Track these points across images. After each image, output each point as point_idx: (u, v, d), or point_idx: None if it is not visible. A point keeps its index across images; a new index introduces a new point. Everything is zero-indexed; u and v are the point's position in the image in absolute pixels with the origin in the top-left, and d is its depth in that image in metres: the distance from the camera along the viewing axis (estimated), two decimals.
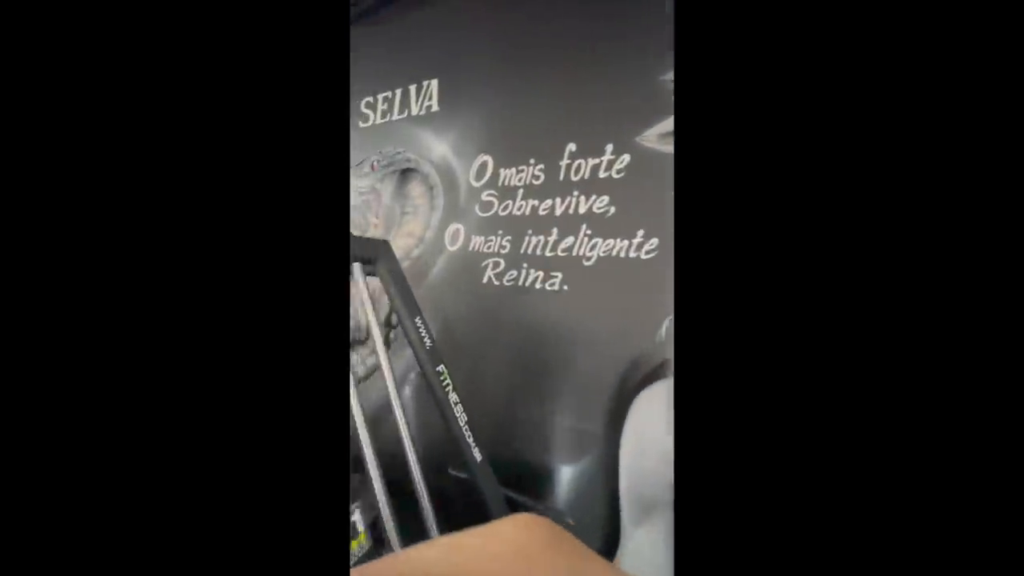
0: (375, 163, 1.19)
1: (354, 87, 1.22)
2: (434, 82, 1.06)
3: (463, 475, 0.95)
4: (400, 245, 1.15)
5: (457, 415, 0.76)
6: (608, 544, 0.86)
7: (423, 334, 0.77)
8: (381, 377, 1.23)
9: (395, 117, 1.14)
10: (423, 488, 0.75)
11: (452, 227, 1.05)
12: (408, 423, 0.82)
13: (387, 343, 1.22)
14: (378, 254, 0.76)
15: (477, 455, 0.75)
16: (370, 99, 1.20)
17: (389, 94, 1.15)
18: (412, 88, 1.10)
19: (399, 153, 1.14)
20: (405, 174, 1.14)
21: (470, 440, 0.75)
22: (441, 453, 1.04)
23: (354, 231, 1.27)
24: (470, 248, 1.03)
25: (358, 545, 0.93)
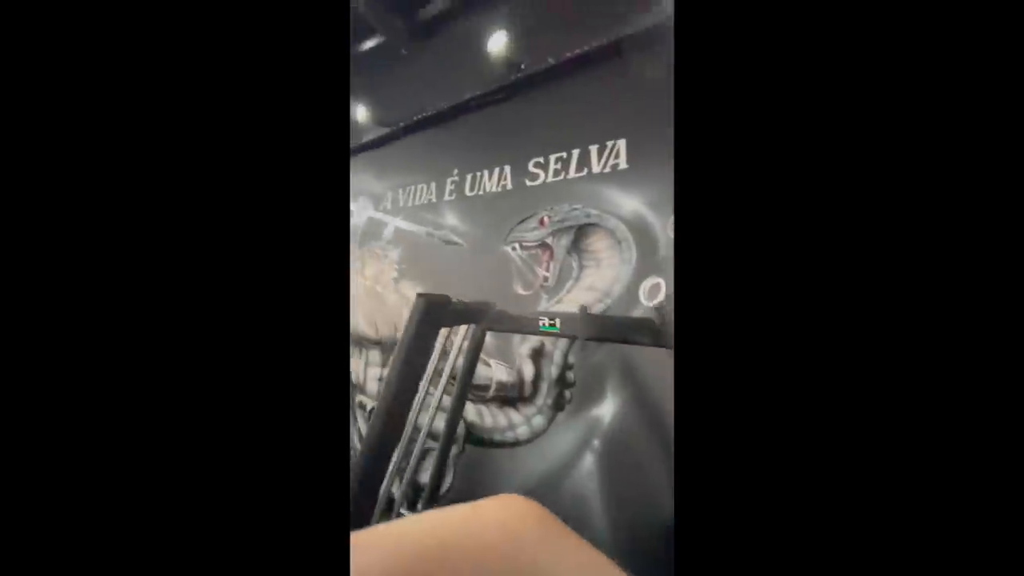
0: (545, 218, 1.21)
1: (523, 150, 1.28)
2: (621, 142, 1.09)
3: None
4: (579, 299, 1.12)
5: None
6: None
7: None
8: (548, 441, 1.14)
9: (571, 176, 1.18)
10: None
11: (651, 281, 1.02)
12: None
13: (560, 406, 1.14)
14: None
15: None
16: (540, 159, 1.25)
17: (564, 155, 1.19)
18: (593, 149, 1.14)
19: (575, 209, 1.16)
20: (583, 229, 1.14)
21: None
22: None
23: (517, 285, 1.26)
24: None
25: None
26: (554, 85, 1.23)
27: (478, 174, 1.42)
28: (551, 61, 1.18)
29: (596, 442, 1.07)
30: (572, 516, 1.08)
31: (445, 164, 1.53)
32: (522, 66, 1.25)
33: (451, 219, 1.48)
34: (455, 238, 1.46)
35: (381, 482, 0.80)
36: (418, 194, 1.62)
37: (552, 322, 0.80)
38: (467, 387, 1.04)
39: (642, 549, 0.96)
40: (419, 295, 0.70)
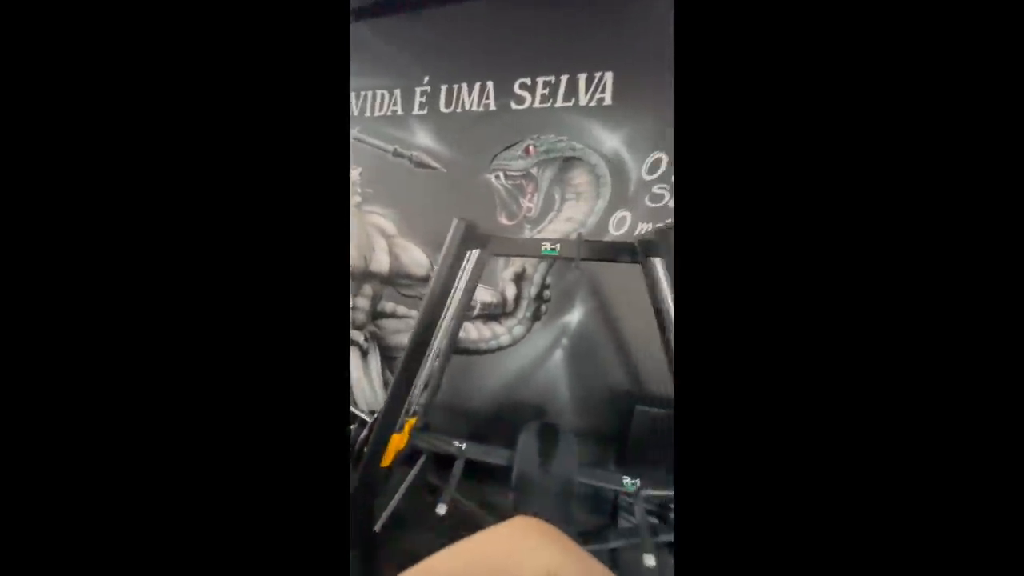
0: (531, 147, 1.24)
1: (507, 66, 1.20)
2: (609, 75, 1.12)
3: (655, 409, 1.22)
4: (558, 229, 1.27)
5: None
6: None
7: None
8: (526, 345, 1.40)
9: (559, 104, 1.19)
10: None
11: (619, 214, 1.21)
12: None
13: (538, 316, 1.37)
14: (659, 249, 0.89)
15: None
16: (526, 80, 1.20)
17: (552, 79, 1.18)
18: (582, 77, 1.15)
19: (561, 140, 1.21)
20: (567, 162, 1.22)
21: None
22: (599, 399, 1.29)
23: (500, 215, 1.33)
24: (635, 233, 1.20)
25: None
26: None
27: (455, 87, 1.29)
28: None
29: (565, 340, 1.37)
30: (545, 395, 1.42)
31: (413, 69, 1.33)
32: None
33: (423, 138, 1.37)
34: (430, 160, 1.38)
35: (409, 391, 0.94)
36: (380, 103, 1.40)
37: (553, 246, 0.95)
38: (466, 308, 1.17)
39: (595, 414, 1.37)
40: (458, 219, 0.76)
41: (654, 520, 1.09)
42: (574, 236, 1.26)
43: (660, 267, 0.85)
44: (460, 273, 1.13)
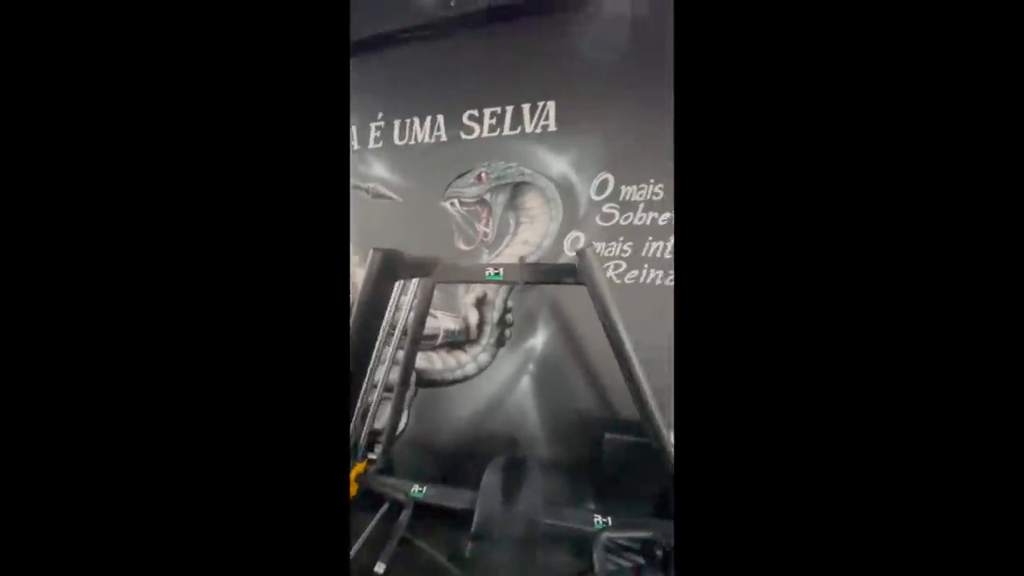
0: (483, 174, 1.26)
1: (456, 99, 1.25)
2: (551, 103, 1.16)
3: (624, 437, 1.14)
4: (515, 252, 1.26)
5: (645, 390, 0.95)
6: None
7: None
8: (492, 373, 1.34)
9: (506, 133, 1.22)
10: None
11: (573, 235, 1.21)
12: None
13: (502, 342, 1.33)
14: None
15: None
16: (474, 112, 1.24)
17: (498, 110, 1.21)
18: (526, 107, 1.19)
19: (510, 167, 1.23)
20: (518, 187, 1.24)
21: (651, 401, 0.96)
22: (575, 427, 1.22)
23: (458, 240, 1.32)
24: None
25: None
26: (485, 32, 1.19)
27: (407, 121, 1.33)
28: (484, 3, 1.13)
29: (531, 366, 1.31)
30: (515, 424, 1.35)
31: (368, 105, 1.37)
32: (451, 2, 1.17)
33: (379, 170, 1.39)
34: (386, 191, 1.40)
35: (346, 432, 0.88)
36: None
37: (496, 270, 0.93)
38: (418, 338, 1.13)
39: (566, 443, 1.30)
40: (375, 249, 0.74)
41: (629, 562, 0.99)
42: (532, 258, 1.25)
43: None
44: (405, 303, 1.09)
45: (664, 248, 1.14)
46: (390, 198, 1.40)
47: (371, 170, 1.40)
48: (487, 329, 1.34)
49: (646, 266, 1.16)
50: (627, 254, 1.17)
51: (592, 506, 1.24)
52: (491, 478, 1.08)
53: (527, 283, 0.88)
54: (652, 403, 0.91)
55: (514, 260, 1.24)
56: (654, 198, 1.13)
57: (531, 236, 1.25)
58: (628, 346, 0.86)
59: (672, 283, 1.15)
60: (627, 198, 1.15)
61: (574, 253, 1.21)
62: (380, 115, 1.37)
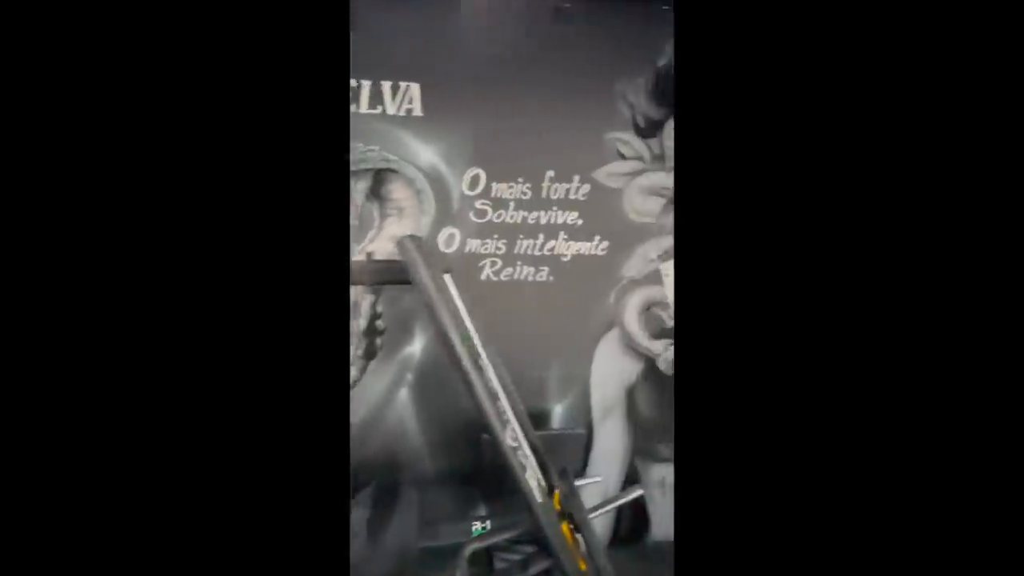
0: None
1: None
2: (415, 86, 1.06)
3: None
4: (382, 248, 1.11)
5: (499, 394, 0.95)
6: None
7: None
8: (362, 390, 1.17)
9: (363, 110, 1.05)
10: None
11: (447, 231, 1.14)
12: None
13: (372, 354, 1.16)
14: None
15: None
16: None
17: (354, 83, 1.04)
18: (386, 85, 1.05)
19: (371, 150, 1.07)
20: (382, 174, 1.09)
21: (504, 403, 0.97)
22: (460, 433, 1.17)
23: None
24: (466, 250, 1.15)
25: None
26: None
27: None
28: None
29: (409, 376, 1.19)
30: (394, 443, 1.19)
31: None
32: None
33: None
34: None
35: None
36: None
37: None
38: None
39: (453, 452, 1.22)
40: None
41: (520, 554, 0.99)
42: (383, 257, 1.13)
43: (450, 283, 0.78)
44: None
45: (534, 246, 1.20)
46: None
47: None
48: (353, 341, 1.15)
49: (519, 263, 1.20)
50: (501, 251, 1.18)
51: (483, 512, 1.21)
52: (358, 513, 0.92)
53: (375, 284, 0.76)
54: (504, 401, 0.88)
55: (385, 255, 1.09)
56: (523, 197, 1.17)
57: (400, 230, 1.12)
58: (459, 348, 0.79)
59: (545, 279, 1.22)
60: (498, 195, 1.16)
61: (452, 249, 1.15)
62: None
